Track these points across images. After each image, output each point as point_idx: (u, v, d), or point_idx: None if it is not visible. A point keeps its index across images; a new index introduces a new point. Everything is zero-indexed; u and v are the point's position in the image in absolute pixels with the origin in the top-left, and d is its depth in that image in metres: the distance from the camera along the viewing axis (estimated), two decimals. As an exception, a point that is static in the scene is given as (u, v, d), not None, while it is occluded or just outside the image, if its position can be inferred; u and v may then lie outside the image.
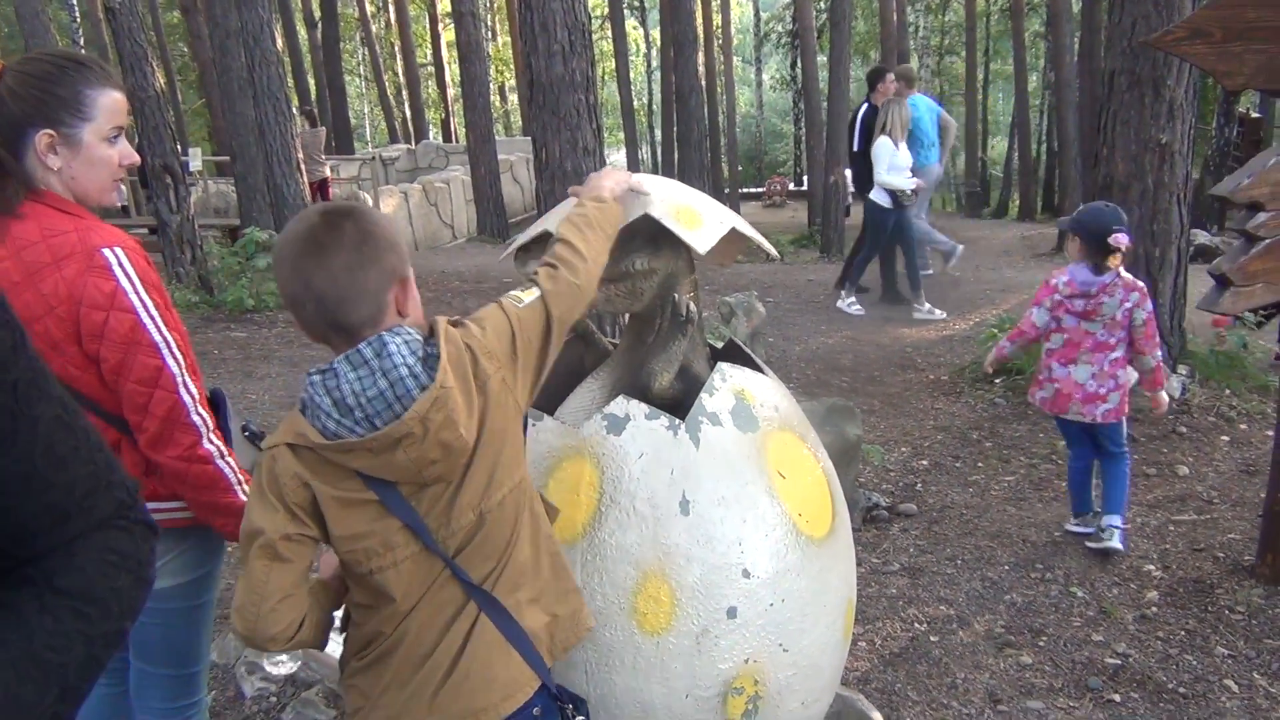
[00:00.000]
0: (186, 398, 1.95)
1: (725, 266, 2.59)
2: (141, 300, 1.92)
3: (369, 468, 1.47)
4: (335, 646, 3.31)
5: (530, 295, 1.67)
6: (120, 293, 1.89)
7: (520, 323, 1.63)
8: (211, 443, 1.99)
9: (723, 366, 2.16)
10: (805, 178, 28.45)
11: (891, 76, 9.08)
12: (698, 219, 2.07)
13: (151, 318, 1.92)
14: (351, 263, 1.45)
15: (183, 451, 1.95)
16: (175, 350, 1.95)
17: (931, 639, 3.52)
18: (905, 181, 8.48)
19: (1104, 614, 3.64)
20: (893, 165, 8.43)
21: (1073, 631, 3.54)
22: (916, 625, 3.62)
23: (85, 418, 1.02)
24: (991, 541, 4.28)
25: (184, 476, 1.97)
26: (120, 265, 1.90)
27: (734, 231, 2.17)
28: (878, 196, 8.60)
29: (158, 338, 1.92)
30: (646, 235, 2.08)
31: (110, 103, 1.95)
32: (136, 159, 2.11)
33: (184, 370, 1.96)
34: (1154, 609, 3.66)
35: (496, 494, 1.57)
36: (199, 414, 1.97)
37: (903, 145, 8.50)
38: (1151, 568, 3.97)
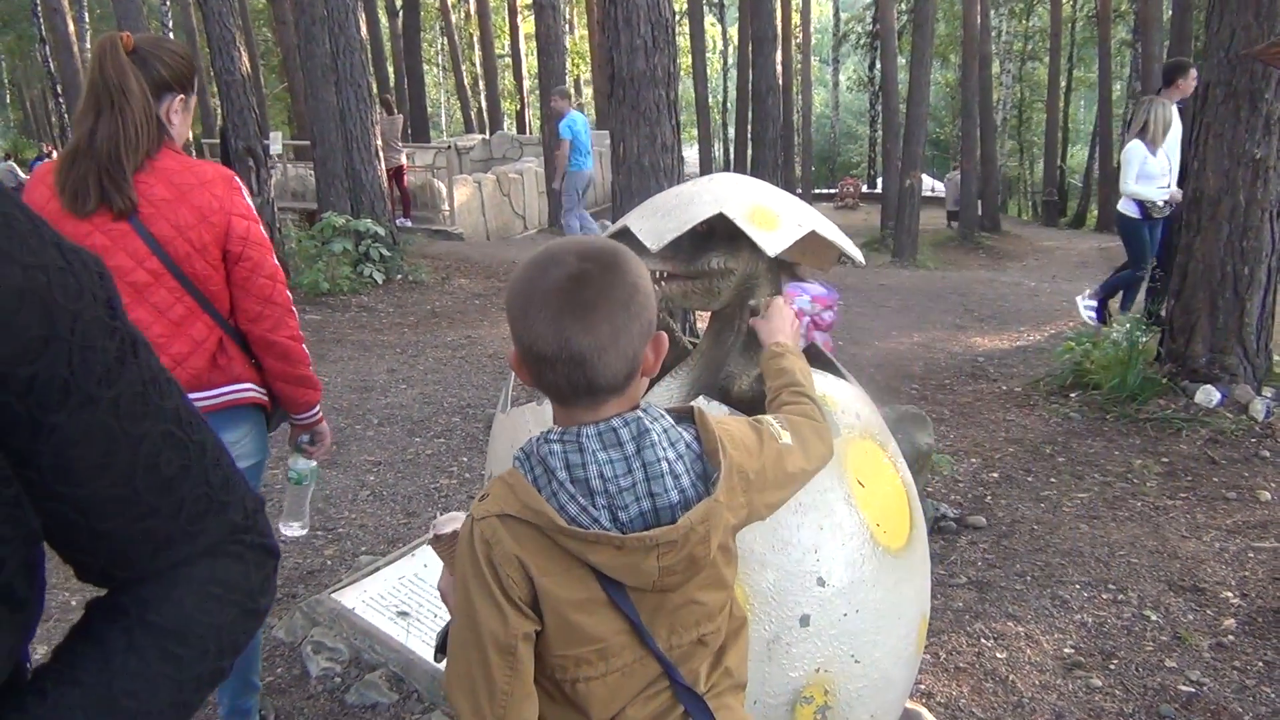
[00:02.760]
0: (288, 292, 2.61)
1: (822, 270, 2.56)
2: (259, 217, 2.55)
3: (606, 565, 1.29)
4: (389, 624, 3.35)
5: (786, 436, 1.53)
6: (253, 209, 2.53)
7: (769, 454, 1.48)
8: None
9: (804, 371, 2.14)
10: (879, 180, 28.23)
11: (1194, 72, 7.76)
12: (774, 220, 2.05)
13: (263, 231, 2.55)
14: (619, 324, 1.28)
15: (292, 332, 2.60)
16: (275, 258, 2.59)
17: (998, 655, 3.46)
18: (1156, 192, 7.65)
19: (1178, 640, 3.55)
20: (1143, 173, 7.61)
21: (1145, 656, 3.45)
22: (983, 640, 3.56)
23: (206, 429, 0.94)
24: (1063, 559, 4.20)
25: (289, 353, 2.61)
26: (245, 190, 2.55)
27: (825, 236, 2.15)
28: (1125, 207, 7.85)
29: (271, 245, 2.57)
30: (726, 234, 2.07)
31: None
32: None
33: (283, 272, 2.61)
34: (1231, 637, 3.56)
35: (719, 618, 1.44)
36: (292, 308, 2.63)
37: (1161, 151, 7.60)
38: (1229, 594, 3.87)
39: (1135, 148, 7.58)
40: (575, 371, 1.28)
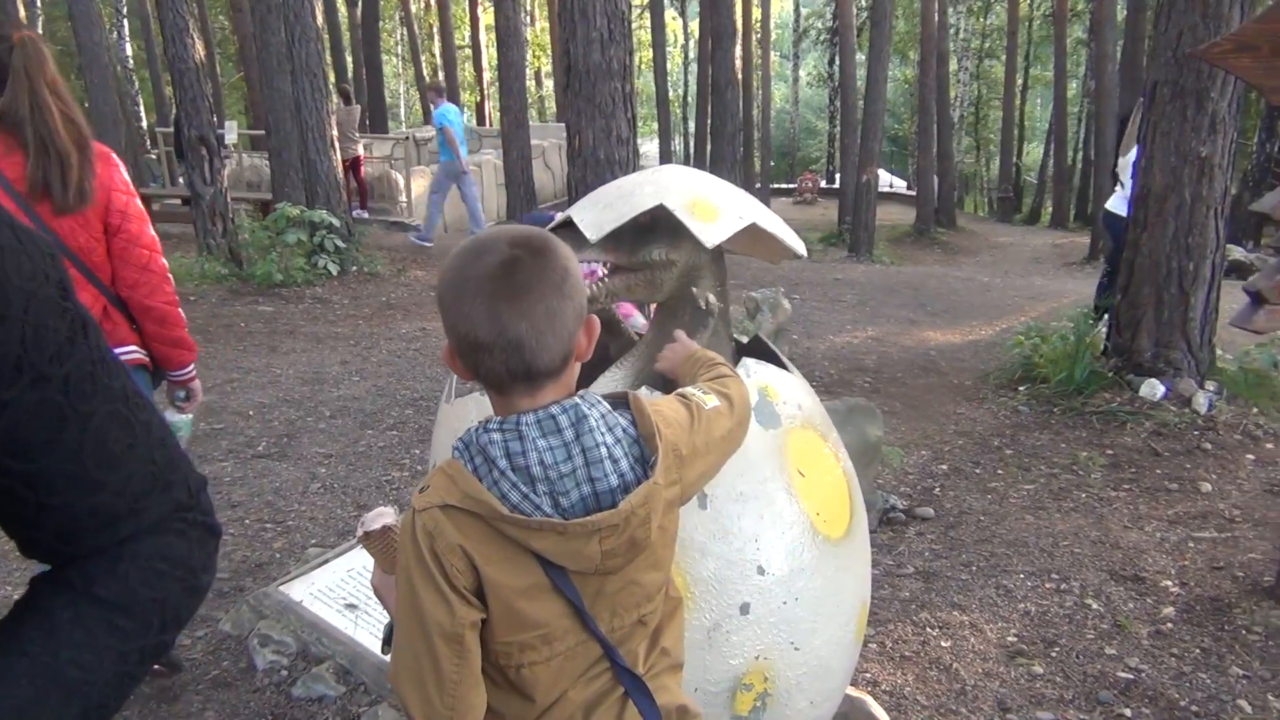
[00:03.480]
0: (164, 262, 2.85)
1: (773, 263, 2.58)
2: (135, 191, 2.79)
3: (549, 551, 1.30)
4: (336, 617, 3.34)
5: (712, 400, 1.55)
6: (130, 184, 2.76)
7: (701, 424, 1.50)
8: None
9: (747, 362, 2.15)
10: (838, 176, 28.39)
11: None
12: (714, 212, 2.06)
13: (140, 205, 2.80)
14: (553, 307, 1.29)
15: (168, 298, 2.85)
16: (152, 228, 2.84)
17: (943, 644, 3.51)
18: None
19: (1118, 628, 3.62)
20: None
21: (1086, 644, 3.52)
22: (929, 630, 3.61)
23: (151, 409, 0.95)
24: (1008, 549, 4.26)
25: (166, 317, 2.85)
26: (121, 165, 2.77)
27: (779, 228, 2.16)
28: (1116, 206, 7.82)
29: (147, 217, 2.82)
30: (668, 226, 2.08)
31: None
32: None
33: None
34: (1170, 625, 3.64)
35: (658, 598, 1.46)
36: (168, 275, 2.87)
37: None
38: (1169, 583, 3.94)
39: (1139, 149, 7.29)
40: (513, 357, 1.28)
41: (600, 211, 2.00)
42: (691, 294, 2.21)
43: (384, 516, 1.51)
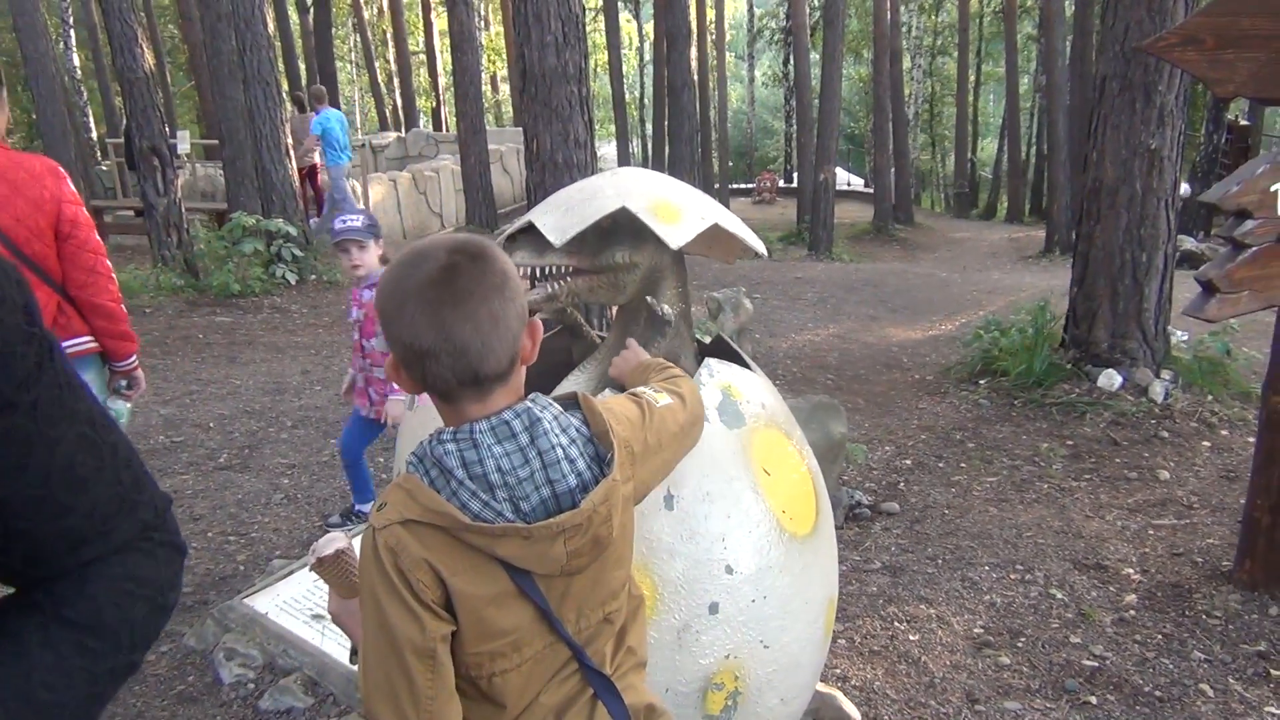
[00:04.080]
0: (109, 264, 3.21)
1: (728, 263, 2.58)
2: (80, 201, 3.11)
3: (514, 556, 1.30)
4: (303, 628, 3.31)
5: (664, 398, 1.58)
6: (78, 195, 3.08)
7: (653, 420, 1.52)
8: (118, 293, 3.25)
9: (710, 362, 2.16)
10: (795, 175, 28.54)
11: None
12: (676, 214, 2.06)
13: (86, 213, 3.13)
14: (496, 310, 1.29)
15: (113, 296, 3.19)
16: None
17: (911, 638, 3.53)
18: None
19: (1082, 616, 3.66)
20: None
21: (1051, 633, 3.55)
22: (896, 624, 3.63)
23: (116, 432, 0.95)
24: (972, 542, 4.30)
25: (112, 313, 3.19)
26: (69, 178, 3.10)
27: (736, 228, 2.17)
28: None
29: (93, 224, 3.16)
30: (630, 228, 2.08)
31: None
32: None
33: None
34: (1132, 612, 3.69)
35: (622, 595, 1.47)
36: (112, 275, 3.21)
37: None
38: (1130, 571, 4.00)
39: None
40: (459, 362, 1.28)
41: (562, 215, 1.99)
42: (649, 297, 2.21)
43: (336, 542, 1.49)
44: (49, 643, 0.86)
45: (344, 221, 4.12)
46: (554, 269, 2.04)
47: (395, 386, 4.00)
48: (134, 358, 3.39)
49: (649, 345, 2.19)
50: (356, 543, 1.53)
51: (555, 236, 1.96)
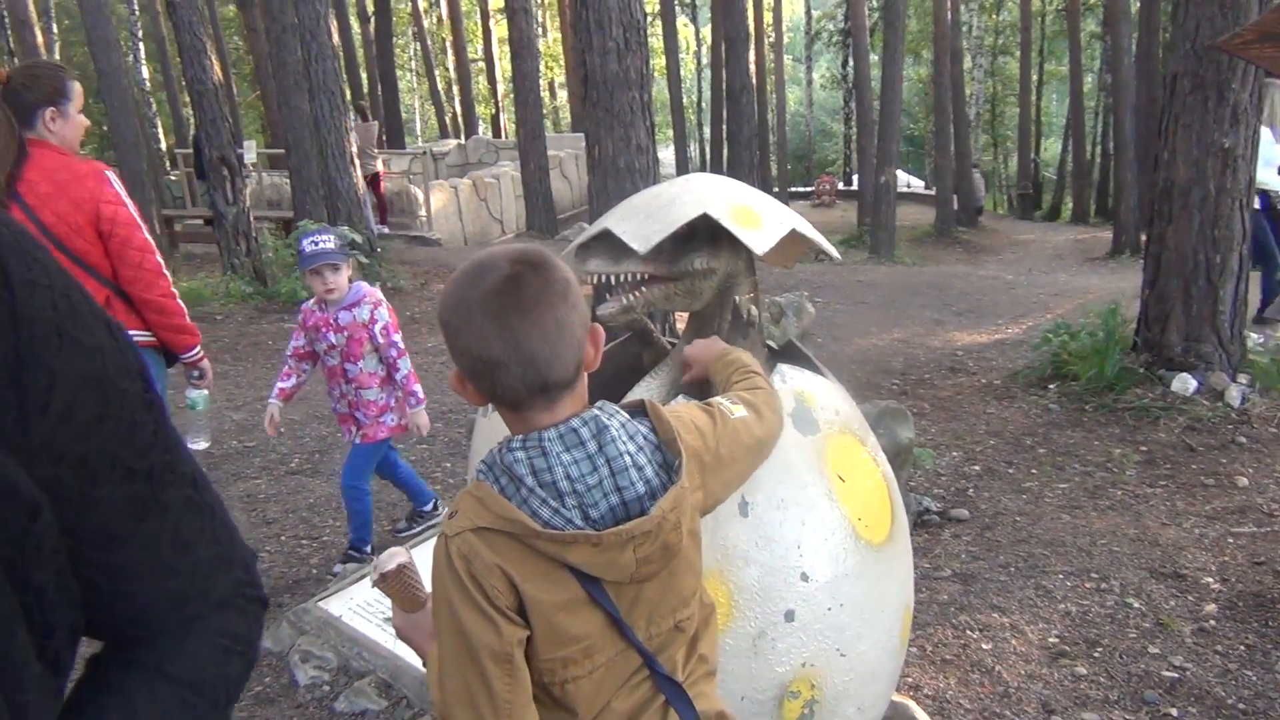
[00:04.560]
0: (159, 259, 3.38)
1: (786, 268, 2.57)
2: (128, 201, 3.32)
3: (585, 563, 1.30)
4: (376, 631, 3.34)
5: (739, 410, 1.58)
6: (120, 195, 3.28)
7: (726, 432, 1.52)
8: (174, 287, 3.46)
9: (782, 368, 2.15)
10: (855, 177, 28.34)
11: None
12: (757, 219, 2.05)
13: (135, 212, 3.32)
14: (562, 318, 1.30)
15: (164, 290, 3.38)
16: (147, 233, 3.36)
17: (984, 646, 3.48)
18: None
19: (1161, 626, 3.58)
20: (1268, 160, 6.93)
21: (1129, 643, 3.48)
22: (969, 632, 3.58)
23: (212, 490, 0.97)
24: (1045, 549, 4.22)
25: (164, 307, 3.40)
26: (116, 180, 3.31)
27: (794, 233, 2.15)
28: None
29: (140, 223, 3.33)
30: (706, 234, 2.06)
31: (78, 88, 3.31)
32: (88, 122, 3.41)
33: (154, 244, 3.39)
34: (1212, 622, 3.60)
35: (693, 603, 1.46)
36: (165, 270, 3.41)
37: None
38: (1210, 580, 3.90)
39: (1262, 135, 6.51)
40: (529, 371, 1.29)
41: (642, 222, 1.98)
42: (723, 303, 2.20)
43: (397, 556, 1.50)
44: (155, 698, 0.88)
45: (315, 244, 3.84)
46: (629, 277, 2.03)
47: (414, 399, 4.08)
48: (197, 349, 3.61)
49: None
50: (418, 554, 1.55)
51: (639, 244, 1.95)
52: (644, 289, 2.06)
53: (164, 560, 0.88)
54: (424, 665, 1.44)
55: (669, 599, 1.40)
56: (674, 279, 2.10)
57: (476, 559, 1.28)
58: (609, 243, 2.01)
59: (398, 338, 4.02)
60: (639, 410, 1.43)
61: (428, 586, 1.45)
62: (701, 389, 2.08)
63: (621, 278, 2.03)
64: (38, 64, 3.46)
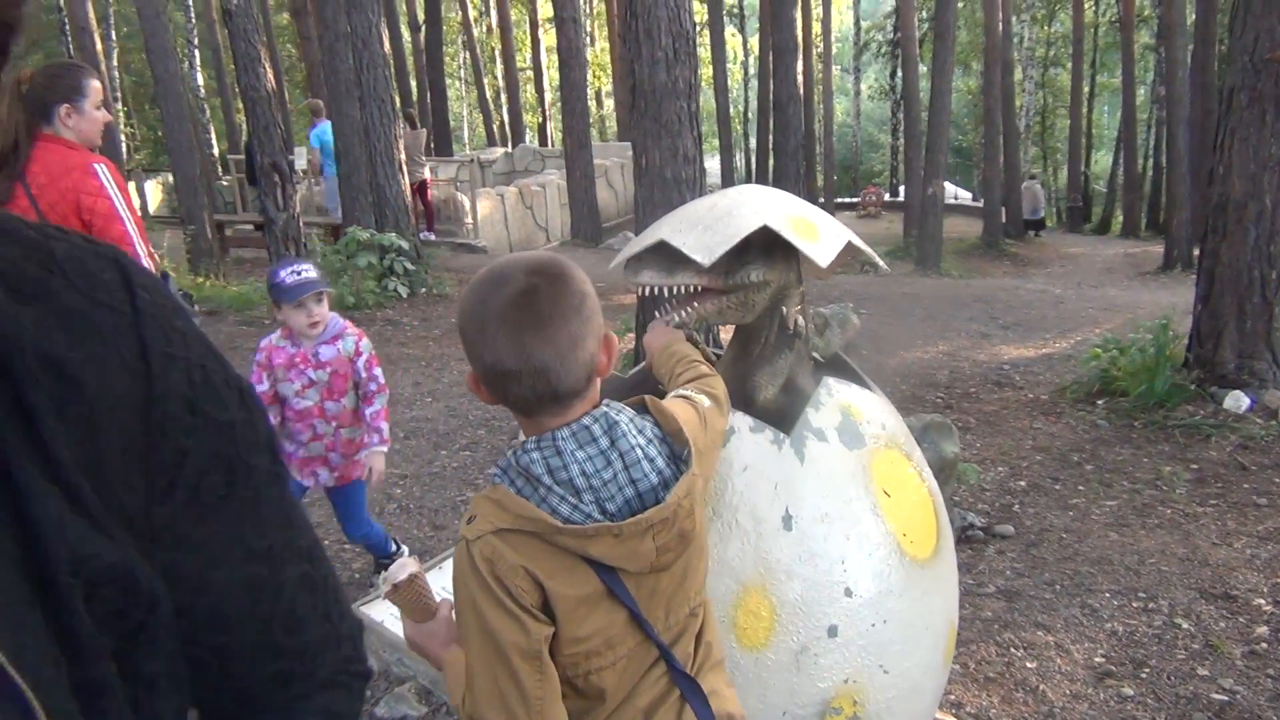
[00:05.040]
0: (140, 249, 3.43)
1: (823, 279, 2.56)
2: (113, 192, 3.39)
3: (607, 555, 1.34)
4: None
5: (705, 399, 1.63)
6: (103, 187, 3.37)
7: (707, 422, 1.58)
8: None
9: (829, 381, 2.14)
10: (902, 189, 28.16)
11: None
12: (815, 231, 2.04)
13: (120, 203, 3.40)
14: (575, 331, 1.34)
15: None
16: (132, 224, 3.42)
17: (1028, 665, 3.44)
18: None
19: (1210, 648, 3.52)
20: None
21: (1177, 664, 3.42)
22: (1013, 650, 3.54)
23: (327, 561, 0.93)
24: (1092, 568, 4.17)
25: None
26: (103, 172, 3.38)
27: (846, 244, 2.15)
28: None
29: (124, 214, 3.41)
30: (760, 247, 2.05)
31: (96, 86, 3.45)
32: (109, 117, 3.57)
33: (139, 236, 3.45)
34: (1264, 645, 3.53)
35: (704, 589, 1.52)
36: (146, 262, 3.42)
37: None
38: (1261, 602, 3.83)
39: None
40: (539, 382, 1.33)
41: (702, 234, 1.97)
42: (771, 315, 2.19)
43: (408, 567, 1.51)
44: None
45: (297, 274, 3.51)
46: (682, 289, 2.03)
47: (378, 436, 3.75)
48: None
49: (777, 359, 2.18)
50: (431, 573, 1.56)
51: (702, 256, 1.94)
52: (697, 302, 2.06)
53: (274, 642, 0.84)
54: (439, 672, 1.47)
55: (686, 586, 1.46)
56: (728, 291, 2.08)
57: (500, 560, 1.32)
58: (662, 254, 2.01)
59: (379, 370, 3.78)
60: (641, 407, 1.49)
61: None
62: (771, 364, 2.14)
63: (675, 290, 2.03)
64: (58, 64, 3.62)
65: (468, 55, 35.25)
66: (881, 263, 2.25)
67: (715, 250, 1.94)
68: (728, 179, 25.80)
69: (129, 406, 0.66)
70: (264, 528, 0.81)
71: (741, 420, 2.02)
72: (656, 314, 2.09)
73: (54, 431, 0.60)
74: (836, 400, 2.10)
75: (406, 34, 28.35)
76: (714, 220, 2.00)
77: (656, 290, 2.04)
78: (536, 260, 1.39)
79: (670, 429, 1.45)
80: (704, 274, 2.01)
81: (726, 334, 5.95)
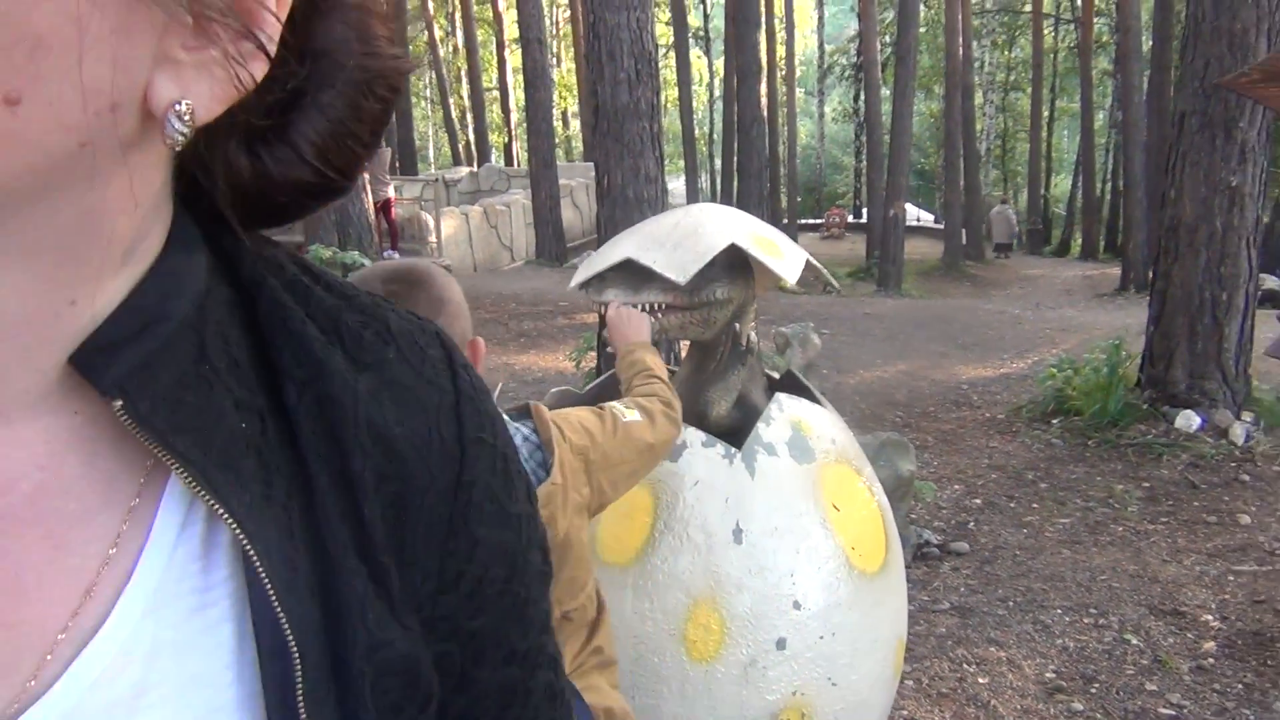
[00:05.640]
0: None
1: (763, 295, 2.59)
2: None
3: None
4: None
5: (632, 414, 1.64)
6: None
7: (616, 434, 1.58)
8: None
9: (780, 397, 2.17)
10: (865, 210, 28.40)
11: None
12: (778, 249, 2.09)
13: None
14: None
15: None
16: None
17: (980, 680, 3.48)
18: None
19: (1159, 663, 3.57)
20: None
21: (1126, 680, 3.47)
22: (965, 666, 3.58)
23: (565, 674, 0.84)
24: (1045, 584, 4.22)
25: None
26: None
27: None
28: None
29: None
30: (724, 265, 2.08)
31: None
32: None
33: None
34: (1211, 660, 3.59)
35: (581, 596, 1.53)
36: None
37: None
38: (1209, 618, 3.89)
39: None
40: None
41: (672, 252, 1.99)
42: (726, 331, 2.22)
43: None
44: None
45: None
46: (645, 307, 2.04)
47: None
48: None
49: (729, 375, 2.20)
50: None
51: (677, 274, 1.96)
52: (660, 318, 2.08)
53: None
54: None
55: (554, 591, 1.45)
56: (693, 308, 2.11)
57: None
58: (626, 272, 2.02)
59: None
60: (524, 412, 1.50)
61: None
62: (725, 380, 2.15)
63: (640, 308, 2.05)
64: None
65: (434, 75, 35.24)
66: (834, 281, 2.29)
67: (689, 269, 1.96)
68: (693, 199, 25.89)
69: (439, 490, 0.63)
70: (527, 628, 0.75)
71: (694, 435, 2.04)
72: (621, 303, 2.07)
73: (373, 507, 0.57)
74: (787, 415, 2.13)
75: (372, 53, 28.27)
76: (681, 238, 2.02)
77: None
78: (395, 268, 1.41)
79: (545, 438, 1.45)
80: (669, 291, 2.03)
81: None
